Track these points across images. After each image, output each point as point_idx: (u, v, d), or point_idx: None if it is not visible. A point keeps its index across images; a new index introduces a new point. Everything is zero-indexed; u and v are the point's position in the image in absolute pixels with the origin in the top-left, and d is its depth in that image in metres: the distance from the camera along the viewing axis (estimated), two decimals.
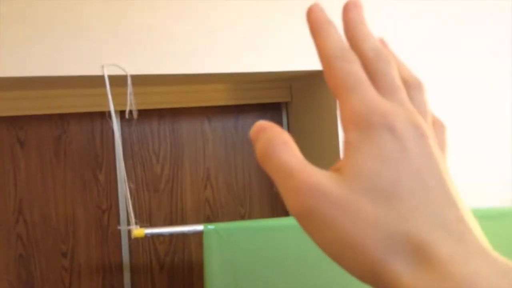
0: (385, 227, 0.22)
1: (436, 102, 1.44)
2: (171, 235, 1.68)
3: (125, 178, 1.22)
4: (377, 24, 1.37)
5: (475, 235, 0.23)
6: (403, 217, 0.22)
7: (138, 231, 1.21)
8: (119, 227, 1.61)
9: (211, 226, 1.27)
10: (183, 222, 1.70)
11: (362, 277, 0.23)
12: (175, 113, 1.72)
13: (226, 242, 1.27)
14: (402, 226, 0.22)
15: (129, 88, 1.24)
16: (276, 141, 0.26)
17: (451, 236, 0.22)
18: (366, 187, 0.23)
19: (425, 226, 0.22)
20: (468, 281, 0.20)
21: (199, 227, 1.28)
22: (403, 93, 0.27)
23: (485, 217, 1.36)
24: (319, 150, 1.53)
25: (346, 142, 0.26)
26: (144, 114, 1.63)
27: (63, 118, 1.62)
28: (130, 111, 1.23)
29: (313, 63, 1.36)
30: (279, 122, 1.81)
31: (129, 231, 1.26)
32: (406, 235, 0.22)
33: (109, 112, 1.24)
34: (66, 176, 1.62)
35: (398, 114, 0.25)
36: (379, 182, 0.23)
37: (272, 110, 1.80)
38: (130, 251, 1.66)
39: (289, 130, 1.80)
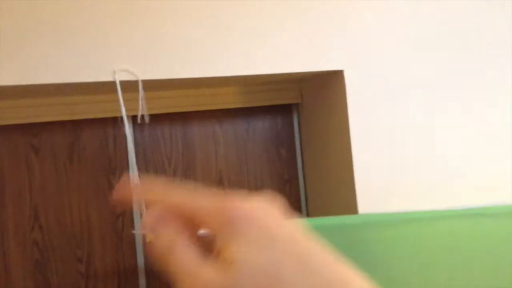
0: None
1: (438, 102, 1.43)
2: None
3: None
4: (377, 21, 1.37)
5: None
6: None
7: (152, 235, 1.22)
8: (134, 232, 1.62)
9: None
10: None
11: None
12: (186, 117, 1.72)
13: None
14: None
15: (141, 93, 1.25)
16: (177, 242, 0.29)
17: None
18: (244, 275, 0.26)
19: None
20: None
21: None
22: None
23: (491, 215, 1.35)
24: (331, 150, 1.53)
25: (217, 235, 0.28)
26: (156, 118, 1.64)
27: (76, 124, 1.64)
28: (142, 116, 1.24)
29: (322, 64, 1.36)
30: (290, 124, 1.81)
31: (144, 235, 1.27)
32: None
33: (121, 118, 1.25)
34: (80, 182, 1.64)
35: (242, 203, 0.29)
36: (257, 272, 0.26)
37: (282, 112, 1.80)
38: (145, 256, 1.67)
39: (300, 131, 1.80)
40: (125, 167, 1.67)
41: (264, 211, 0.28)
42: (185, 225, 0.30)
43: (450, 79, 1.43)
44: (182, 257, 0.28)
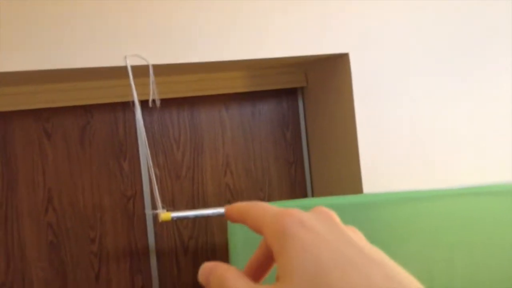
0: None
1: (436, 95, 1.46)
2: (194, 220, 1.74)
3: (151, 164, 1.27)
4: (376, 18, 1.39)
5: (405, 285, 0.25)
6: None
7: (165, 215, 1.27)
8: (149, 212, 1.67)
9: None
10: (205, 207, 1.75)
11: None
12: (194, 101, 1.76)
13: None
14: None
15: (151, 78, 1.28)
16: (228, 274, 0.29)
17: None
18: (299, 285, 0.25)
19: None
20: None
21: (222, 210, 1.33)
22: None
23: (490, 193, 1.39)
24: (336, 133, 1.57)
25: (274, 254, 0.28)
26: (164, 103, 1.68)
27: (87, 109, 1.68)
28: (153, 100, 1.28)
29: (327, 47, 1.39)
30: (295, 107, 1.85)
31: (156, 215, 1.32)
32: None
33: (133, 102, 1.28)
34: (92, 165, 1.68)
35: (299, 211, 0.29)
36: (306, 273, 0.25)
37: (287, 96, 1.84)
38: (156, 236, 1.72)
39: (305, 114, 1.83)
40: (135, 150, 1.71)
41: (318, 219, 0.29)
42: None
43: (455, 62, 1.45)
44: (240, 283, 0.29)
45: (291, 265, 0.26)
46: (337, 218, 0.30)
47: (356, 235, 0.29)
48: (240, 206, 0.33)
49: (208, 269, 0.31)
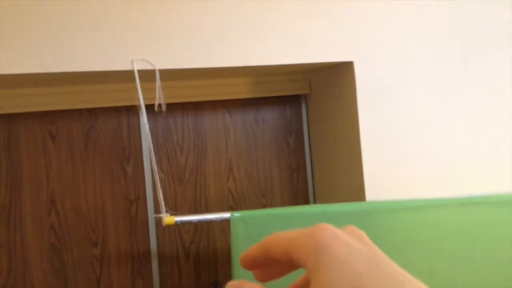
0: None
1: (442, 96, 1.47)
2: (196, 225, 1.74)
3: (155, 168, 1.28)
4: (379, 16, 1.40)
5: None
6: None
7: (169, 219, 1.27)
8: (152, 216, 1.67)
9: (237, 214, 1.33)
10: (207, 211, 1.76)
11: None
12: (198, 106, 1.77)
13: (252, 229, 1.32)
14: None
15: (158, 82, 1.29)
16: None
17: None
18: None
19: None
20: None
21: (226, 215, 1.33)
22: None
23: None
24: (339, 140, 1.57)
25: (309, 271, 0.28)
26: (168, 107, 1.68)
27: (92, 112, 1.69)
28: (159, 105, 1.29)
29: (332, 55, 1.40)
30: (299, 114, 1.85)
31: (159, 219, 1.32)
32: None
33: (138, 106, 1.29)
34: (96, 168, 1.69)
35: (332, 226, 0.28)
36: (345, 286, 0.26)
37: (291, 102, 1.85)
38: (158, 240, 1.72)
39: (308, 121, 1.84)
40: (139, 154, 1.72)
41: (350, 235, 0.29)
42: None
43: (458, 71, 1.46)
44: None
45: (329, 278, 0.26)
46: (367, 238, 0.30)
47: (383, 254, 0.29)
48: (257, 245, 0.31)
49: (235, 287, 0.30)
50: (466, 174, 1.46)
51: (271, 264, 0.31)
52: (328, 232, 0.28)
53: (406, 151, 1.44)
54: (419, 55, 1.44)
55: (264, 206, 1.81)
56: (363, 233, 0.30)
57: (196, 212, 1.75)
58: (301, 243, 0.28)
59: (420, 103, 1.44)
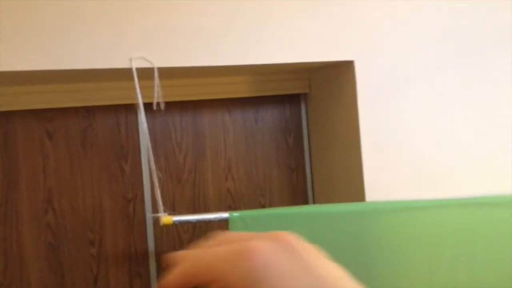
0: None
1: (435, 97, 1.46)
2: (195, 224, 1.73)
3: (154, 167, 1.26)
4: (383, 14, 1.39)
5: None
6: None
7: (167, 219, 1.26)
8: (150, 215, 1.66)
9: (236, 214, 1.31)
10: (206, 211, 1.74)
11: None
12: (197, 105, 1.76)
13: (250, 229, 1.31)
14: None
15: (156, 81, 1.28)
16: None
17: None
18: None
19: None
20: None
21: (224, 215, 1.32)
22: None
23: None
24: (338, 140, 1.56)
25: None
26: (167, 106, 1.67)
27: (89, 110, 1.67)
28: (158, 103, 1.27)
29: (332, 54, 1.39)
30: (298, 113, 1.84)
31: (157, 219, 1.31)
32: None
33: (137, 105, 1.28)
34: (93, 167, 1.67)
35: (256, 245, 0.29)
36: None
37: (290, 102, 1.84)
38: (155, 240, 1.71)
39: (307, 121, 1.83)
40: (137, 153, 1.70)
41: (278, 249, 0.29)
42: None
43: (459, 70, 1.45)
44: None
45: None
46: (295, 243, 0.30)
47: (314, 256, 0.30)
48: (181, 272, 0.30)
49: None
50: (467, 175, 1.45)
51: None
52: (258, 258, 0.28)
53: (407, 151, 1.43)
54: (420, 54, 1.43)
55: (263, 206, 1.80)
56: (291, 240, 0.30)
57: (194, 211, 1.74)
58: (232, 269, 0.28)
59: (421, 102, 1.43)
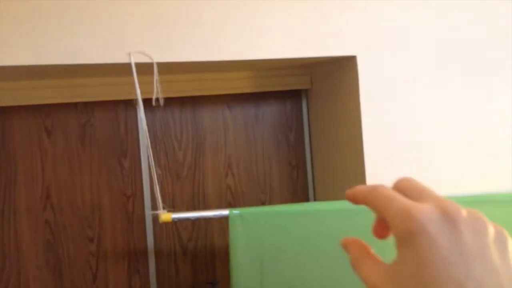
0: None
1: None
2: (194, 222, 1.72)
3: (153, 164, 1.25)
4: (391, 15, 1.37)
5: None
6: None
7: (166, 216, 1.24)
8: (149, 212, 1.64)
9: (236, 211, 1.30)
10: (205, 208, 1.73)
11: None
12: (196, 101, 1.74)
13: (250, 226, 1.30)
14: None
15: (155, 76, 1.26)
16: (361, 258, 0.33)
17: None
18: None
19: None
20: None
21: (224, 212, 1.31)
22: (432, 192, 0.33)
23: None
24: (340, 136, 1.54)
25: (396, 239, 0.31)
26: (166, 102, 1.65)
27: (88, 106, 1.65)
28: (157, 99, 1.26)
29: (334, 50, 1.37)
30: (299, 109, 1.82)
31: (156, 216, 1.29)
32: None
33: (136, 100, 1.26)
34: (92, 163, 1.66)
35: (431, 215, 0.29)
36: (412, 279, 0.28)
37: (291, 98, 1.82)
38: (155, 237, 1.70)
39: (309, 117, 1.81)
40: (136, 149, 1.68)
41: (459, 225, 0.29)
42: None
43: (461, 67, 1.44)
44: (368, 269, 0.32)
45: (401, 273, 0.29)
46: (490, 229, 0.30)
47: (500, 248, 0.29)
48: (366, 191, 0.34)
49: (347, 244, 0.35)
50: (470, 172, 1.44)
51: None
52: (418, 226, 0.29)
53: (409, 148, 1.41)
54: (423, 50, 1.41)
55: (263, 203, 1.78)
56: (487, 225, 0.30)
57: (194, 208, 1.72)
58: (395, 218, 0.30)
59: (424, 99, 1.42)
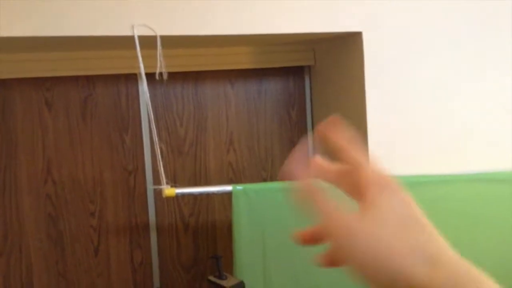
0: (406, 244, 0.35)
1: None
2: (195, 197, 1.72)
3: (156, 139, 1.24)
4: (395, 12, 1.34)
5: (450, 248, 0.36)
6: (418, 238, 0.35)
7: (170, 191, 1.24)
8: (152, 187, 1.64)
9: (239, 187, 1.30)
10: (207, 184, 1.73)
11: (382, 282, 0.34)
12: (199, 76, 1.72)
13: (253, 202, 1.30)
14: (419, 243, 0.35)
15: (159, 49, 1.24)
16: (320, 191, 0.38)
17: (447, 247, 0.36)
18: (382, 224, 0.36)
19: (433, 242, 0.35)
20: (465, 271, 0.34)
21: (227, 188, 1.31)
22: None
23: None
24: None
25: (365, 193, 0.37)
26: (168, 77, 1.64)
27: (90, 79, 1.64)
28: (160, 73, 1.24)
29: (339, 25, 1.35)
30: (302, 86, 1.81)
31: (159, 191, 1.29)
32: (422, 248, 0.34)
33: (138, 74, 1.25)
34: (93, 138, 1.65)
35: (394, 182, 0.38)
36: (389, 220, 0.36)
37: (294, 74, 1.80)
38: (156, 212, 1.70)
39: (311, 94, 1.80)
40: (138, 124, 1.68)
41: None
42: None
43: (468, 43, 1.42)
44: (324, 202, 0.37)
45: (380, 215, 0.36)
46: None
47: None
48: (344, 139, 0.40)
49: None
50: (474, 149, 1.44)
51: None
52: (393, 185, 0.39)
53: (414, 127, 1.40)
54: (429, 26, 1.39)
55: (265, 180, 1.78)
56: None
57: (195, 184, 1.72)
58: (372, 174, 0.38)
59: (429, 76, 1.40)
